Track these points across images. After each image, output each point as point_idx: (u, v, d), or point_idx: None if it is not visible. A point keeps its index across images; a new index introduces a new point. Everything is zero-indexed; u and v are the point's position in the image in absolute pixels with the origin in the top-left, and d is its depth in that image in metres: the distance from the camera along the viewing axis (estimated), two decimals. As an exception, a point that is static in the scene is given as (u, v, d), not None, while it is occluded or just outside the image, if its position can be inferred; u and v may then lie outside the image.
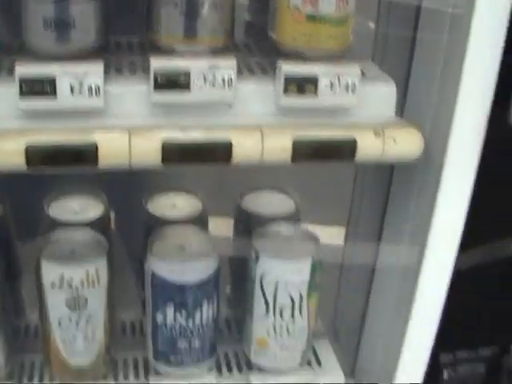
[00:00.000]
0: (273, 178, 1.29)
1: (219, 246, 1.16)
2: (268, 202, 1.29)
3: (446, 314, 1.12)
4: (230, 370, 1.24)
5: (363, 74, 1.05)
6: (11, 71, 0.93)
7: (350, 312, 1.37)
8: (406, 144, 1.02)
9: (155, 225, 1.20)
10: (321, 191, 1.48)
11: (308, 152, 0.99)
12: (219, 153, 0.97)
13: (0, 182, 1.04)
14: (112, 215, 1.24)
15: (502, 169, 1.10)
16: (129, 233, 1.32)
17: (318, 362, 1.28)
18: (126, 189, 1.25)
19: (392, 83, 1.06)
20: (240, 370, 1.25)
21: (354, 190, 1.31)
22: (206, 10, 0.96)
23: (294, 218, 1.26)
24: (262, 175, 1.27)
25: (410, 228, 1.13)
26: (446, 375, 1.27)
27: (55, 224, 1.16)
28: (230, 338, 1.31)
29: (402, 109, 1.11)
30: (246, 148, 0.98)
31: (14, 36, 0.99)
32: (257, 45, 1.13)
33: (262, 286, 1.15)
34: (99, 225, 1.17)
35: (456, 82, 0.97)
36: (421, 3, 1.04)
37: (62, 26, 0.93)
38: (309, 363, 1.26)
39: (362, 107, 1.03)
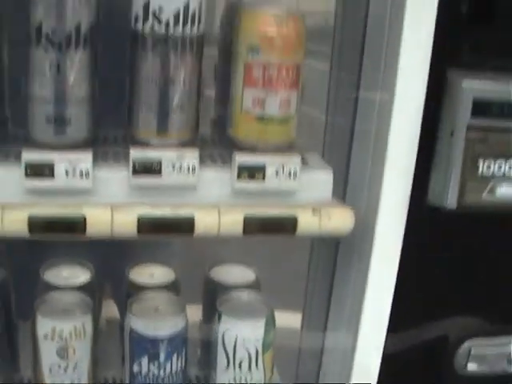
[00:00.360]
0: (238, 252, 1.51)
1: (189, 309, 1.37)
2: (231, 273, 1.50)
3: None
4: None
5: (306, 162, 1.29)
6: (18, 157, 1.16)
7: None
8: (339, 221, 1.25)
9: (135, 290, 1.42)
10: (280, 263, 1.70)
11: (257, 226, 1.22)
12: (184, 226, 1.20)
13: (4, 248, 1.27)
14: (98, 281, 1.45)
15: (424, 247, 1.30)
16: (113, 296, 1.53)
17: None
18: (111, 260, 1.48)
19: (329, 171, 1.29)
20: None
21: (309, 262, 1.53)
22: (174, 111, 1.20)
23: (253, 286, 1.47)
24: (228, 250, 1.49)
25: (349, 306, 1.35)
26: None
27: (49, 287, 1.38)
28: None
29: (344, 190, 1.34)
30: (205, 222, 1.20)
31: (20, 127, 1.22)
32: (219, 138, 1.36)
33: (223, 343, 1.35)
34: (86, 288, 1.39)
35: (381, 167, 1.21)
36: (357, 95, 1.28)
37: (60, 122, 1.17)
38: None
39: (303, 190, 1.26)
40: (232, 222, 1.21)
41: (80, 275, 1.44)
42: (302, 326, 1.59)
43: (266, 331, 1.35)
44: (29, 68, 1.15)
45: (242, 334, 1.34)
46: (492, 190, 1.25)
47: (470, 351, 1.39)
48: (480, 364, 1.40)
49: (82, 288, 1.39)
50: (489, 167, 1.23)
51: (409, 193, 1.23)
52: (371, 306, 1.29)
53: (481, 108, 1.20)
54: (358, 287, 1.31)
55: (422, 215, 1.26)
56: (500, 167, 1.24)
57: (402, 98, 1.18)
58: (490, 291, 1.35)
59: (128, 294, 1.42)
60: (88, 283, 1.41)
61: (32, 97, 1.16)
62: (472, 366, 1.40)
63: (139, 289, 1.42)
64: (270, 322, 1.36)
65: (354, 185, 1.32)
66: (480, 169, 1.23)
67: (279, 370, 1.47)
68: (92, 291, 1.40)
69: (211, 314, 1.39)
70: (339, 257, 1.40)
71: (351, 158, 1.34)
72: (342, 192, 1.35)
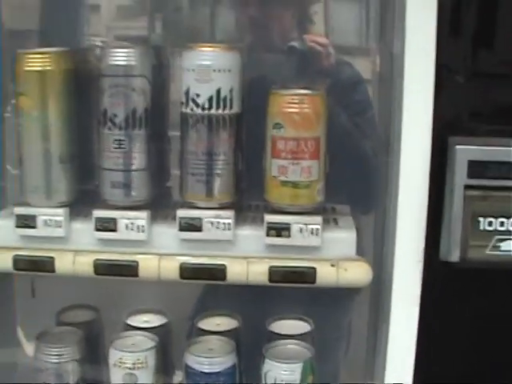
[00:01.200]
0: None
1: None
2: (287, 325, 1.70)
3: None
4: None
5: (336, 222, 1.49)
6: (88, 215, 1.47)
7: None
8: (356, 273, 1.42)
9: (198, 334, 1.66)
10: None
11: (280, 276, 1.42)
12: (218, 273, 1.43)
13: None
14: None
15: (440, 301, 1.43)
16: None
17: None
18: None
19: (353, 231, 1.47)
20: None
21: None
22: (215, 178, 1.45)
23: (305, 338, 1.65)
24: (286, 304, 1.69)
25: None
26: None
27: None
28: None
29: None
30: (235, 271, 1.43)
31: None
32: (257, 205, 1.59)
33: (266, 383, 1.55)
34: (158, 332, 1.65)
35: (394, 226, 1.37)
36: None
37: (124, 187, 1.46)
38: None
39: (327, 247, 1.44)
40: (259, 271, 1.42)
41: (156, 320, 1.71)
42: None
43: (303, 375, 1.52)
44: (99, 145, 1.46)
45: (280, 375, 1.52)
46: (496, 246, 1.36)
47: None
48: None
49: (154, 331, 1.65)
50: (490, 224, 1.35)
51: (422, 248, 1.37)
52: (393, 361, 1.42)
53: (477, 169, 1.34)
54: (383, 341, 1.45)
55: (435, 269, 1.39)
56: (502, 224, 1.35)
57: (407, 163, 1.35)
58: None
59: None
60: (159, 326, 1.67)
61: (102, 167, 1.47)
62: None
63: (202, 333, 1.65)
64: (308, 368, 1.53)
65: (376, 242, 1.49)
66: (481, 225, 1.35)
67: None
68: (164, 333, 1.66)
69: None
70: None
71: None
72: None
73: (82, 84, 1.49)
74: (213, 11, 2.53)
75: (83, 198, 1.54)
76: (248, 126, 1.49)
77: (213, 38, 2.51)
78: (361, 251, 1.46)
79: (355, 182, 1.71)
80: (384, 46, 1.60)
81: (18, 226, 1.49)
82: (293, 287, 1.43)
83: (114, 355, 1.55)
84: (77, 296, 1.74)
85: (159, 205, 1.53)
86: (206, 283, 1.66)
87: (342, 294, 1.51)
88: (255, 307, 1.71)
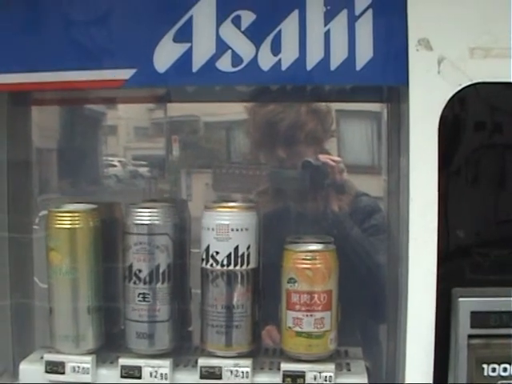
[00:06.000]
0: None
1: None
2: None
3: None
4: None
5: (349, 368, 1.58)
6: (114, 361, 1.57)
7: None
8: None
9: None
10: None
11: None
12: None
13: None
14: None
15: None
16: None
17: None
18: None
19: (364, 377, 1.55)
20: None
21: None
22: (232, 329, 1.54)
23: None
24: None
25: None
26: None
27: None
28: None
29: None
30: None
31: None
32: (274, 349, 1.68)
33: None
34: None
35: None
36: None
37: (148, 337, 1.56)
38: None
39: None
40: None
41: None
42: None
43: None
44: (124, 297, 1.56)
45: None
46: (500, 392, 1.44)
47: None
48: None
49: None
50: (494, 370, 1.44)
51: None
52: None
53: (479, 320, 1.43)
54: None
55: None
56: (505, 369, 1.43)
57: (414, 314, 1.45)
58: None
59: None
60: None
61: (127, 318, 1.56)
62: None
63: None
64: None
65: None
66: (485, 371, 1.44)
67: None
68: None
69: None
70: None
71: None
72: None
73: (107, 239, 1.60)
74: (228, 134, 2.68)
75: (109, 342, 1.63)
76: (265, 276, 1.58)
77: (229, 159, 2.65)
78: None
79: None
80: (392, 164, 1.70)
81: (47, 372, 1.58)
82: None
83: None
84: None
85: (181, 349, 1.62)
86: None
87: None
88: None
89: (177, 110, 2.51)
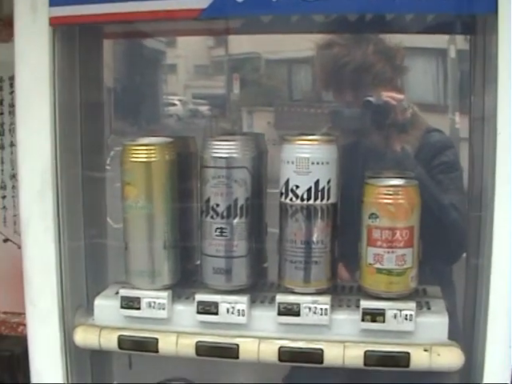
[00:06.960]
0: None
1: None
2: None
3: None
4: None
5: (429, 307, 1.54)
6: (190, 297, 1.56)
7: None
8: (448, 358, 1.47)
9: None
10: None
11: (375, 360, 1.48)
12: (315, 357, 1.49)
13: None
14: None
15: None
16: None
17: None
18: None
19: (445, 316, 1.52)
20: None
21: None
22: (312, 265, 1.51)
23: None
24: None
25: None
26: None
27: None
28: None
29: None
30: (332, 355, 1.49)
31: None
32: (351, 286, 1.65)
33: None
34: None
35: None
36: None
37: (225, 273, 1.53)
38: None
39: (420, 331, 1.48)
40: (354, 355, 1.48)
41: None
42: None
43: None
44: (201, 232, 1.54)
45: None
46: None
47: None
48: None
49: None
50: None
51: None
52: None
53: None
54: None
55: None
56: None
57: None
58: None
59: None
60: None
61: (203, 253, 1.54)
62: None
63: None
64: None
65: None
66: None
67: None
68: None
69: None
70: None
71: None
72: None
73: (183, 173, 1.57)
74: (290, 71, 2.62)
75: (184, 278, 1.62)
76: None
77: (290, 97, 2.60)
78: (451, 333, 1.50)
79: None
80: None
81: (122, 307, 1.58)
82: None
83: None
84: (173, 369, 1.81)
85: (256, 286, 1.59)
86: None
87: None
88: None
89: (237, 47, 2.46)
